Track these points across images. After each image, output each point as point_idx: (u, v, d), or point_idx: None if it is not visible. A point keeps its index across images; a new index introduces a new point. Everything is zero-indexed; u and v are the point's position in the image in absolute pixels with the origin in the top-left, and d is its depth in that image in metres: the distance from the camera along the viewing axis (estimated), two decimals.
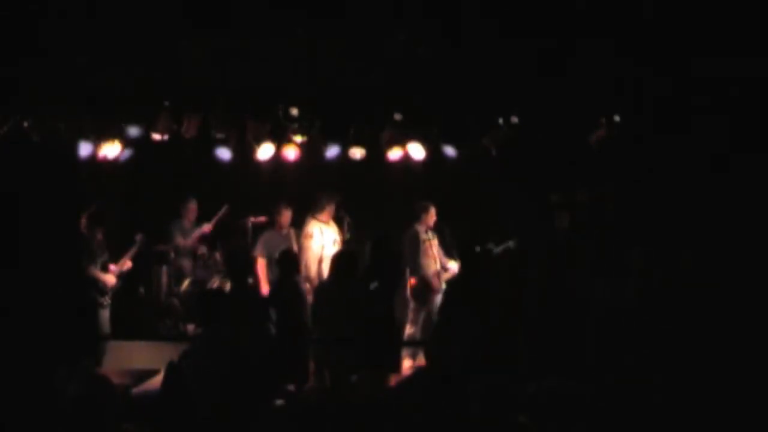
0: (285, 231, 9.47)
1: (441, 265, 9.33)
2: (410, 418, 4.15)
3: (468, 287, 7.39)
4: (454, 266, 9.22)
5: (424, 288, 9.21)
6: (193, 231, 10.02)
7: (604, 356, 6.76)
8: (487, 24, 7.66)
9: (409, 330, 9.00)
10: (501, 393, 4.77)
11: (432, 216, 9.39)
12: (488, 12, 7.52)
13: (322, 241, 9.13)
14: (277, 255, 8.82)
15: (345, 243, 9.44)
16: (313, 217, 9.30)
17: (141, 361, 8.21)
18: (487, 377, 5.61)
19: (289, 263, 7.90)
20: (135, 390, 7.06)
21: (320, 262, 9.06)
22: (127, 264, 8.97)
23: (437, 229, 9.44)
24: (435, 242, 9.39)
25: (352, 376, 6.83)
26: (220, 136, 9.21)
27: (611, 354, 6.67)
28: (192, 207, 10.05)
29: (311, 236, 9.14)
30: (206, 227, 10.00)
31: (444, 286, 9.13)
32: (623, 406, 4.77)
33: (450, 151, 9.47)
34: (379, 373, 6.77)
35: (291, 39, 8.00)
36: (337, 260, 7.73)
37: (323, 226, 9.23)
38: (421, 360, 8.31)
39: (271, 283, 8.73)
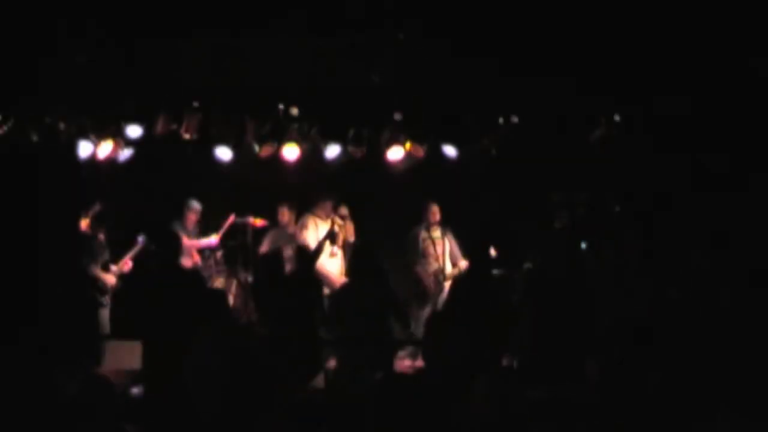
0: (291, 229, 9.57)
1: (452, 263, 9.33)
2: (410, 418, 4.15)
3: (472, 286, 7.39)
4: (464, 264, 9.24)
5: (420, 286, 9.24)
6: (195, 232, 10.03)
7: (613, 364, 6.71)
8: (487, 24, 7.66)
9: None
10: (503, 394, 4.77)
11: (434, 214, 9.42)
12: (488, 12, 7.53)
13: (317, 235, 9.18)
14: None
15: (343, 246, 9.48)
16: (310, 212, 9.44)
17: (141, 361, 8.19)
18: (490, 378, 5.61)
19: (305, 260, 7.94)
20: (135, 390, 7.05)
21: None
22: (127, 265, 8.97)
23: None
24: (443, 241, 9.39)
25: (358, 375, 6.82)
26: (220, 136, 9.22)
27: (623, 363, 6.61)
28: (194, 211, 10.04)
29: (306, 228, 9.23)
30: (214, 241, 9.98)
31: (445, 285, 9.16)
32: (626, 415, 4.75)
33: (450, 151, 9.49)
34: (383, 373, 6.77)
35: (291, 39, 8.00)
36: (353, 259, 7.81)
37: (319, 221, 9.30)
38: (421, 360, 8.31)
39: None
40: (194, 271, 8.32)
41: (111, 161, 9.24)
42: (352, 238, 9.40)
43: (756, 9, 7.24)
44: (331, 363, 7.76)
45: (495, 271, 8.77)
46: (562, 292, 7.09)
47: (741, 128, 7.75)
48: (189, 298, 6.69)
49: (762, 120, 7.65)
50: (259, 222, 10.06)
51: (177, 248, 7.28)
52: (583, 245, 8.93)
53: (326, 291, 8.96)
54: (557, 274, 7.68)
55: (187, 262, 9.97)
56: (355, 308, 7.19)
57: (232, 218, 10.01)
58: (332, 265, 9.29)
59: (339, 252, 9.36)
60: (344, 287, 7.72)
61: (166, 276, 6.99)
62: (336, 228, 9.36)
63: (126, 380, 7.01)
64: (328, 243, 9.23)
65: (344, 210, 9.47)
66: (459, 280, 8.81)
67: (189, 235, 9.97)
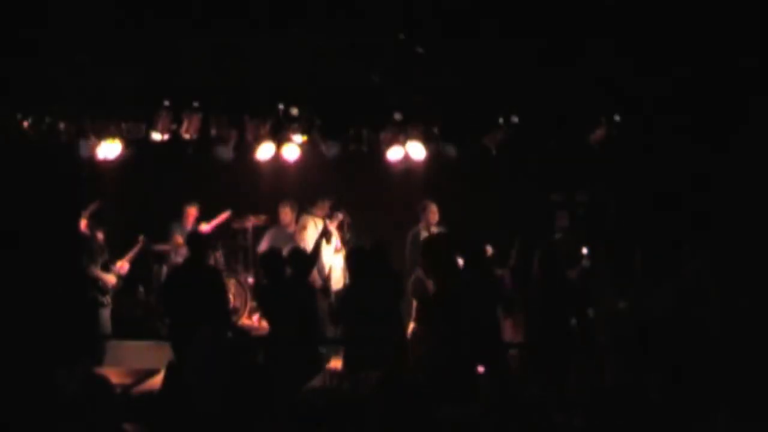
0: (290, 229, 9.63)
1: None
2: (410, 418, 4.15)
3: (470, 286, 7.36)
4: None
5: (424, 286, 9.23)
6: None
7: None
8: (488, 23, 7.66)
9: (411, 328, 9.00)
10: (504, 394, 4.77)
11: (433, 213, 9.42)
12: (489, 11, 7.52)
13: (317, 234, 9.22)
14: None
15: (345, 242, 9.52)
16: (307, 212, 9.48)
17: (141, 360, 8.21)
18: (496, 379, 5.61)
19: (302, 262, 7.94)
20: (135, 390, 7.06)
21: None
22: (124, 267, 8.98)
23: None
24: None
25: (359, 375, 6.82)
26: (220, 136, 9.22)
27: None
28: (192, 212, 10.06)
29: (305, 228, 9.31)
30: (205, 228, 10.02)
31: None
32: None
33: (450, 150, 9.49)
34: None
35: (291, 39, 8.00)
36: (348, 260, 7.83)
37: (317, 221, 9.36)
38: None
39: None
40: (216, 269, 8.62)
41: (111, 161, 9.24)
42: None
43: (748, 11, 7.26)
44: (332, 363, 7.76)
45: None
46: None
47: (740, 127, 7.75)
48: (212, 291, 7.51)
49: (758, 119, 7.65)
50: (261, 219, 10.15)
51: (204, 248, 8.07)
52: (585, 250, 8.92)
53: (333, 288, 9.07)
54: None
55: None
56: (363, 308, 7.21)
57: (228, 215, 10.08)
58: (337, 261, 9.35)
59: (342, 248, 9.43)
60: (354, 286, 7.72)
61: (195, 272, 7.65)
62: (345, 226, 9.45)
63: (126, 380, 7.03)
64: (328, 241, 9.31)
65: (341, 215, 9.53)
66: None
67: (185, 235, 9.98)
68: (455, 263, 7.37)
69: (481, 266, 7.48)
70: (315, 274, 8.97)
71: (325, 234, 9.20)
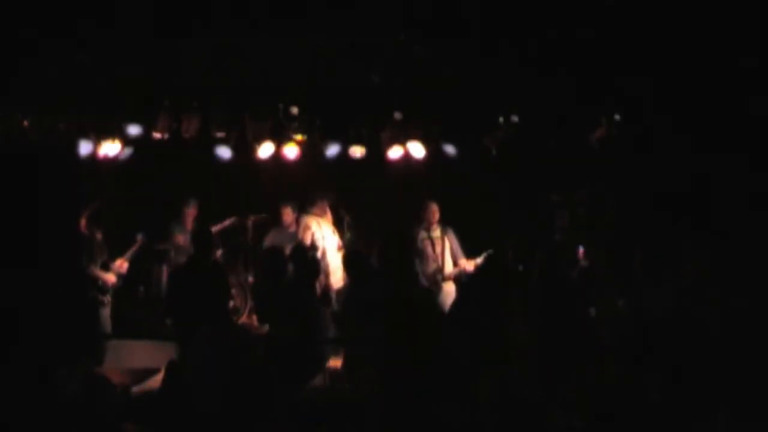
0: (292, 229, 9.63)
1: (453, 262, 9.29)
2: (410, 418, 4.16)
3: (483, 288, 7.35)
4: (465, 264, 9.17)
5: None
6: None
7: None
8: (488, 23, 7.67)
9: None
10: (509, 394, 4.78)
11: (433, 213, 9.38)
12: (489, 11, 7.53)
13: (321, 232, 9.30)
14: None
15: (345, 241, 9.53)
16: (307, 212, 9.46)
17: (141, 360, 8.20)
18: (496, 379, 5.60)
19: (304, 259, 7.92)
20: (135, 390, 7.06)
21: (323, 254, 9.18)
22: (123, 266, 8.97)
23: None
24: (443, 241, 9.33)
25: (359, 375, 6.82)
26: (220, 135, 9.22)
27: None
28: (191, 212, 10.06)
29: (309, 228, 9.29)
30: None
31: (444, 285, 9.16)
32: None
33: (450, 150, 9.48)
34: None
35: (291, 39, 8.01)
36: (346, 262, 7.83)
37: (318, 219, 9.37)
38: None
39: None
40: (220, 267, 8.63)
41: (111, 161, 9.24)
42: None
43: (748, 11, 7.26)
44: (331, 363, 7.76)
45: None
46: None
47: (740, 127, 7.75)
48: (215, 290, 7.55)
49: (758, 119, 7.66)
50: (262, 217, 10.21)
51: (209, 247, 8.02)
52: (581, 249, 8.93)
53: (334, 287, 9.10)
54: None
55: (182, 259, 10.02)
56: (350, 308, 7.21)
57: (233, 221, 10.13)
58: (339, 260, 9.36)
59: (343, 248, 9.45)
60: (354, 286, 7.71)
61: (199, 270, 7.61)
62: (345, 225, 9.47)
63: (126, 380, 7.03)
64: (330, 235, 9.34)
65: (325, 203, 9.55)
66: (467, 281, 8.77)
67: (186, 234, 9.99)
68: (405, 262, 7.31)
69: (489, 268, 7.47)
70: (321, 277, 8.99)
71: (313, 245, 9.24)
